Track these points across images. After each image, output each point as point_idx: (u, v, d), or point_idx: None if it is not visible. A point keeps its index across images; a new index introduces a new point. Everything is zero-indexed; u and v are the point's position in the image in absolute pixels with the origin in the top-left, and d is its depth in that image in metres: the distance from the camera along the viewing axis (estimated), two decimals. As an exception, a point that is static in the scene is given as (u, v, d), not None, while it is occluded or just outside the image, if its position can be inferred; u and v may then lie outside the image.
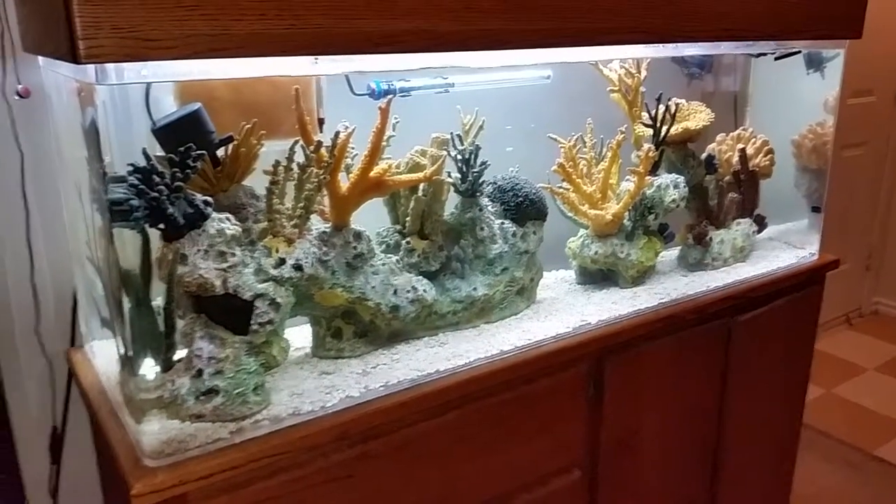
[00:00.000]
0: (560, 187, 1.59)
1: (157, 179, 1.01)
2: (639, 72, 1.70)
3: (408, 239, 1.39)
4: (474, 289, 1.42)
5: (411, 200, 1.38)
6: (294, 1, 0.96)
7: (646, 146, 1.63)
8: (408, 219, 1.39)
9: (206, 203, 1.08)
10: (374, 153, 1.23)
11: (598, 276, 1.71)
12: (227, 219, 1.12)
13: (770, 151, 1.94)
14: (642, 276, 1.69)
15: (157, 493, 0.99)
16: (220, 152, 1.19)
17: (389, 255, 1.34)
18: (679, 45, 1.46)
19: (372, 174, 1.24)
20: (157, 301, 1.11)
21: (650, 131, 1.70)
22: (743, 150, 1.87)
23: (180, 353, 1.12)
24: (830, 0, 1.63)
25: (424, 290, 1.34)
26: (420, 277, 1.36)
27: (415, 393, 1.22)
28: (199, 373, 1.09)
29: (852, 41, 1.75)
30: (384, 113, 1.22)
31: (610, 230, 1.63)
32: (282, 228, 1.18)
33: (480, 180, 1.43)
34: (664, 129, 1.68)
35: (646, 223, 1.67)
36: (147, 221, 1.04)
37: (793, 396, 1.99)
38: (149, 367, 1.12)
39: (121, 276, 1.04)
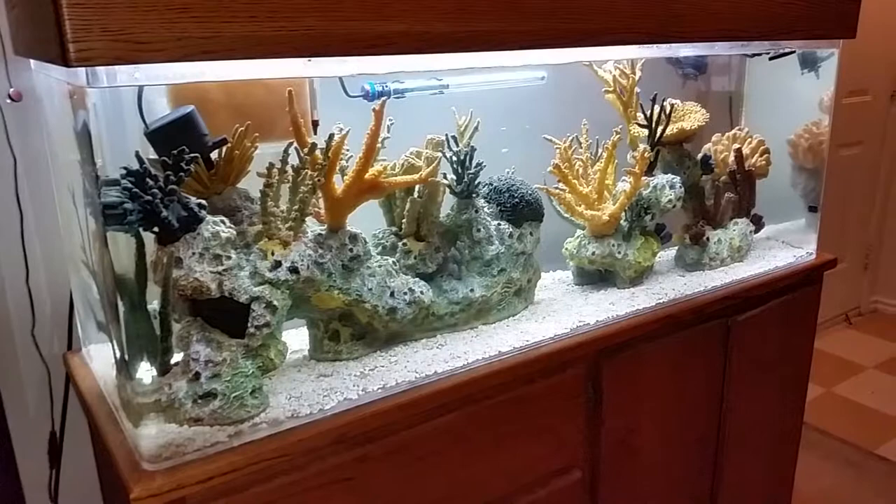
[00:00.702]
0: (556, 188, 1.59)
1: (151, 182, 1.01)
2: (633, 72, 1.70)
3: (404, 241, 1.39)
4: (471, 290, 1.42)
5: (407, 202, 1.38)
6: (286, 3, 0.96)
7: (641, 147, 1.63)
8: (404, 220, 1.39)
9: (200, 206, 1.08)
10: (369, 155, 1.23)
11: (596, 277, 1.71)
12: (222, 221, 1.12)
13: (766, 151, 1.94)
14: (640, 276, 1.68)
15: (155, 497, 0.99)
16: (214, 155, 1.19)
17: (386, 257, 1.34)
18: (673, 45, 1.46)
19: (367, 176, 1.24)
20: (153, 305, 1.11)
21: (645, 132, 1.70)
22: (739, 150, 1.87)
23: (177, 357, 1.12)
24: (824, 0, 1.63)
25: (421, 292, 1.33)
26: (417, 279, 1.36)
27: (413, 395, 1.21)
28: (197, 376, 1.09)
29: (847, 41, 1.76)
30: (378, 115, 1.22)
31: (607, 231, 1.63)
32: (277, 231, 1.17)
33: (476, 181, 1.43)
34: (659, 129, 1.68)
35: (643, 223, 1.67)
36: (141, 225, 1.04)
37: (792, 396, 1.99)
38: (146, 371, 1.12)
39: (115, 279, 1.04)
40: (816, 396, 3.02)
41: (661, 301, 1.58)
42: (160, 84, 1.16)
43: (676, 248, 1.84)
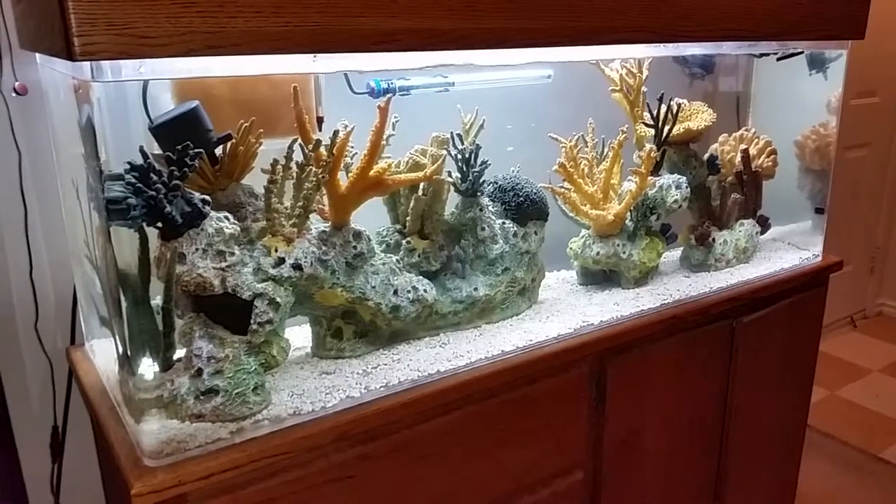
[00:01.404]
0: (561, 187, 1.58)
1: (155, 178, 1.01)
2: (640, 71, 1.69)
3: (408, 238, 1.38)
4: (475, 289, 1.41)
5: (411, 200, 1.37)
6: (292, -2, 0.95)
7: (647, 146, 1.62)
8: (408, 218, 1.38)
9: (204, 202, 1.08)
10: (374, 152, 1.22)
11: (600, 277, 1.70)
12: (226, 217, 1.12)
13: (773, 152, 1.93)
14: (645, 276, 1.68)
15: (156, 493, 0.99)
16: (219, 150, 1.18)
17: (390, 255, 1.34)
18: (680, 44, 1.45)
19: (371, 173, 1.23)
20: (156, 300, 1.11)
21: (652, 131, 1.69)
22: (746, 151, 1.86)
23: (179, 353, 1.12)
24: (833, 0, 1.62)
25: (425, 290, 1.33)
26: (420, 277, 1.35)
27: (416, 393, 1.21)
28: (199, 372, 1.08)
29: (855, 42, 1.74)
30: (383, 112, 1.21)
31: (612, 230, 1.62)
32: (281, 227, 1.17)
33: (481, 180, 1.42)
34: (666, 129, 1.67)
35: (648, 224, 1.67)
36: (145, 220, 1.03)
37: (797, 398, 1.98)
38: (148, 367, 1.12)
39: (118, 275, 1.04)
40: (821, 399, 3.01)
41: (665, 302, 1.58)
42: (165, 79, 1.16)
43: (682, 248, 1.83)
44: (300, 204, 1.17)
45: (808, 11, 1.58)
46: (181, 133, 1.07)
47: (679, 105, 1.72)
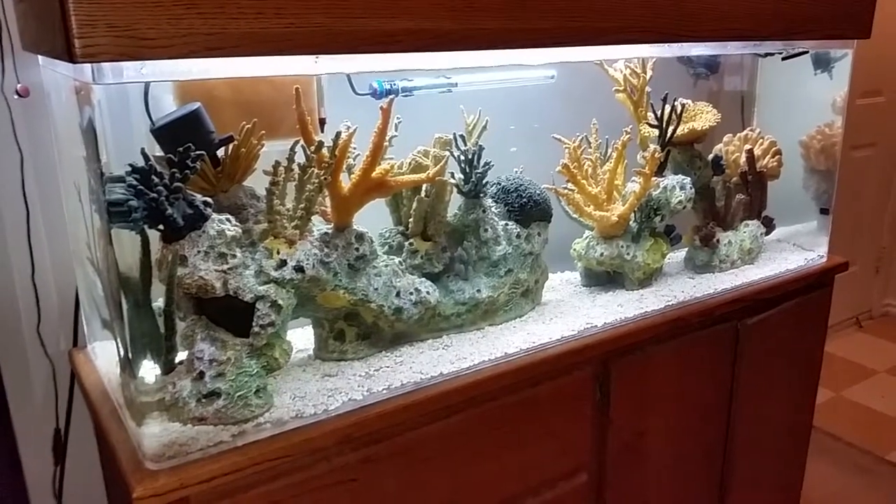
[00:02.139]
0: (565, 188, 1.58)
1: (156, 180, 1.00)
2: (644, 71, 1.68)
3: (411, 240, 1.38)
4: (478, 291, 1.40)
5: (414, 201, 1.36)
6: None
7: (652, 147, 1.62)
8: (410, 220, 1.38)
9: (205, 204, 1.08)
10: (376, 153, 1.22)
11: (604, 278, 1.69)
12: (228, 220, 1.11)
13: (778, 152, 1.92)
14: (649, 278, 1.67)
15: (158, 496, 0.98)
16: (221, 152, 1.18)
17: (392, 257, 1.33)
18: (685, 44, 1.44)
19: (374, 175, 1.23)
20: (158, 303, 1.10)
21: (656, 132, 1.68)
22: (750, 151, 1.85)
23: (181, 356, 1.11)
24: (838, 0, 1.61)
25: (428, 292, 1.32)
26: (423, 279, 1.35)
27: (418, 396, 1.20)
28: (201, 375, 1.08)
29: (861, 41, 1.73)
30: (386, 113, 1.21)
31: (616, 232, 1.62)
32: (283, 230, 1.16)
33: (484, 181, 1.42)
34: (670, 129, 1.67)
35: (652, 225, 1.66)
36: (146, 222, 1.03)
37: (802, 400, 1.97)
38: (150, 370, 1.11)
39: (120, 277, 1.03)
40: (826, 400, 3.00)
41: (670, 303, 1.57)
42: (166, 81, 1.15)
43: (686, 249, 1.83)
44: (302, 206, 1.16)
45: (814, 11, 1.57)
46: (183, 135, 1.07)
47: (683, 105, 1.71)
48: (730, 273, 1.77)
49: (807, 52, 1.87)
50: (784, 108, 2.13)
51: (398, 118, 1.28)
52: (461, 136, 1.40)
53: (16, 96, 1.32)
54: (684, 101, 1.75)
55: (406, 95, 1.42)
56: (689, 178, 1.69)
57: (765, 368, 1.79)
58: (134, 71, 0.92)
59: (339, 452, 1.14)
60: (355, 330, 1.30)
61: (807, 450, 2.04)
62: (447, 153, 1.36)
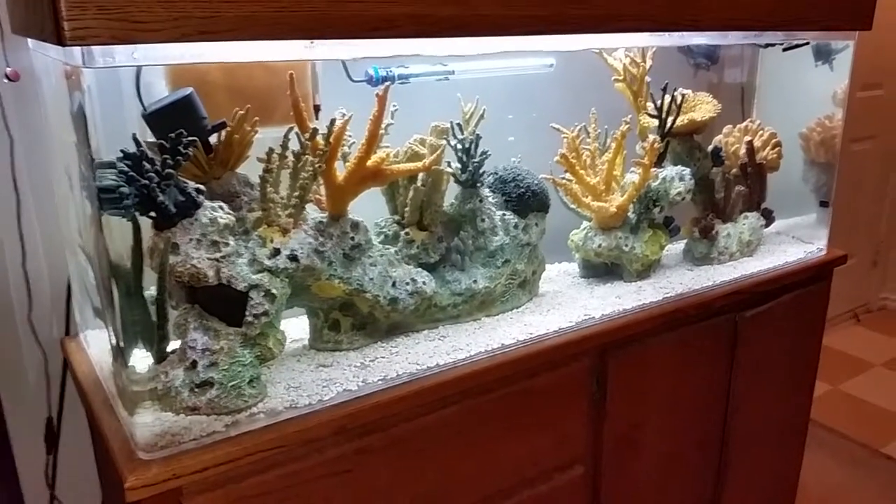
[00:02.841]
0: (563, 178, 1.56)
1: (148, 166, 0.99)
2: (644, 61, 1.67)
3: (407, 230, 1.36)
4: (475, 281, 1.39)
5: (410, 190, 1.35)
6: (288, -18, 0.93)
7: (651, 137, 1.60)
8: (406, 209, 1.37)
9: (198, 191, 1.06)
10: (372, 141, 1.20)
11: (602, 270, 1.68)
12: (220, 207, 1.10)
13: (778, 144, 1.91)
14: (647, 269, 1.66)
15: (150, 486, 0.97)
16: (213, 138, 1.16)
17: (388, 247, 1.32)
18: (685, 33, 1.43)
19: (369, 163, 1.21)
20: (150, 291, 1.09)
21: (655, 122, 1.67)
22: (750, 143, 1.84)
23: (174, 345, 1.10)
24: (840, -10, 1.60)
25: (424, 283, 1.31)
26: (419, 269, 1.33)
27: (414, 387, 1.19)
28: (194, 364, 1.07)
29: (862, 33, 1.72)
30: (382, 100, 1.19)
31: (614, 223, 1.61)
32: (276, 218, 1.15)
33: (481, 170, 1.40)
34: (670, 119, 1.65)
35: (651, 216, 1.65)
36: (137, 209, 1.02)
37: (800, 393, 1.96)
38: (142, 359, 1.10)
39: (111, 265, 1.02)
40: (823, 393, 3.00)
41: (668, 295, 1.56)
42: (157, 65, 1.13)
43: (685, 241, 1.82)
44: (296, 194, 1.15)
45: (816, 1, 1.55)
46: (175, 120, 1.05)
47: (683, 95, 1.70)
48: (728, 265, 1.76)
49: (808, 44, 1.86)
50: (784, 100, 2.12)
51: (394, 106, 1.26)
52: (458, 124, 1.38)
53: (5, 80, 1.30)
54: (684, 91, 1.73)
55: (402, 82, 1.40)
56: (688, 170, 1.68)
57: (762, 362, 1.79)
58: (125, 55, 0.90)
59: (333, 443, 1.13)
60: (350, 320, 1.29)
61: (804, 443, 2.04)
62: (444, 142, 1.35)
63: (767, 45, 1.96)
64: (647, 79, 1.68)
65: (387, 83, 1.24)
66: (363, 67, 1.37)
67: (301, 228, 1.17)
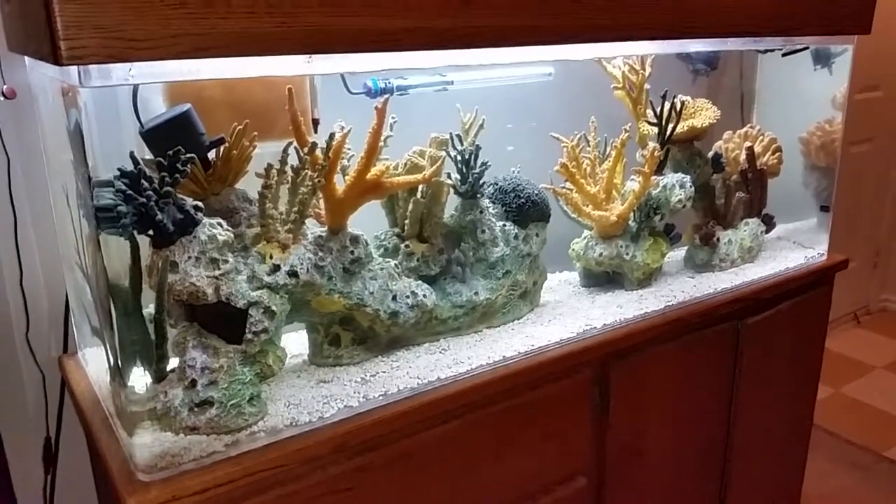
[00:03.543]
0: (563, 188, 1.55)
1: (146, 184, 0.98)
2: (643, 68, 1.66)
3: (407, 242, 1.35)
4: (475, 293, 1.38)
5: (410, 203, 1.34)
6: (285, -2, 0.92)
7: (651, 145, 1.60)
8: (406, 222, 1.36)
9: (196, 208, 1.05)
10: (371, 154, 1.19)
11: (603, 279, 1.67)
12: (219, 224, 1.09)
13: (778, 150, 1.90)
14: (648, 278, 1.65)
15: (150, 508, 0.96)
16: (212, 154, 1.15)
17: (388, 260, 1.31)
18: (684, 41, 1.42)
19: (369, 176, 1.20)
20: (148, 309, 1.08)
21: (655, 130, 1.66)
22: (750, 149, 1.83)
23: (173, 364, 1.09)
24: (839, -6, 1.59)
25: (424, 295, 1.30)
26: (420, 282, 1.32)
27: (415, 402, 1.18)
28: (193, 383, 1.06)
29: (860, 36, 1.71)
30: (381, 112, 1.18)
31: (615, 231, 1.60)
32: (276, 233, 1.14)
33: (481, 181, 1.39)
34: (670, 127, 1.64)
35: (651, 224, 1.64)
36: (135, 228, 1.00)
37: (802, 399, 1.96)
38: (140, 378, 1.09)
39: (109, 284, 1.01)
40: (825, 397, 2.99)
41: (670, 303, 1.55)
42: (154, 82, 1.13)
43: (686, 248, 1.81)
44: (295, 209, 1.14)
45: (814, 6, 1.55)
46: (173, 137, 1.04)
47: (683, 102, 1.69)
48: (730, 272, 1.75)
49: (807, 48, 1.85)
50: (784, 105, 2.12)
51: (393, 118, 1.26)
52: (458, 135, 1.38)
53: (2, 98, 1.29)
54: (683, 98, 1.73)
55: (401, 94, 1.39)
56: (688, 177, 1.67)
57: (765, 368, 1.78)
58: (122, 73, 0.89)
59: (334, 461, 1.11)
60: (350, 335, 1.28)
61: (807, 449, 2.03)
62: (443, 153, 1.34)
63: (766, 51, 1.96)
64: (647, 86, 1.68)
65: (385, 95, 1.23)
66: (361, 80, 1.36)
67: (300, 243, 1.16)
